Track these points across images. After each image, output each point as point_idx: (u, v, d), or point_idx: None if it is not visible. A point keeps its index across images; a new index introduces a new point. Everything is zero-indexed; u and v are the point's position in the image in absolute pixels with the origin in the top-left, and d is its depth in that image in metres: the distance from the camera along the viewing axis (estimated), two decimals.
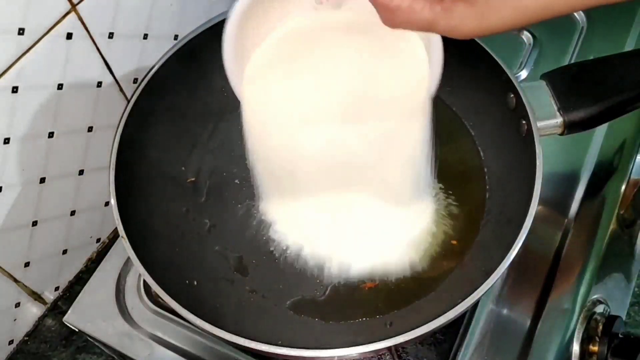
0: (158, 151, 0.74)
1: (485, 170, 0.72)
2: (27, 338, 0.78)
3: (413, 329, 0.54)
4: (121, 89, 0.76)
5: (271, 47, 0.60)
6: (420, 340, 0.67)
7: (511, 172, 0.68)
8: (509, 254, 0.56)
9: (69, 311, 0.72)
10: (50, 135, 0.69)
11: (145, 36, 0.75)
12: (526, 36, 0.86)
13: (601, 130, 0.76)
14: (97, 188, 0.79)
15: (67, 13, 0.64)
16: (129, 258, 0.64)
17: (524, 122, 0.63)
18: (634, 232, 0.78)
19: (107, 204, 0.82)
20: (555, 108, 0.63)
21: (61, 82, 0.67)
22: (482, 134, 0.74)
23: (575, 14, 0.88)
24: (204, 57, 0.76)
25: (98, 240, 0.84)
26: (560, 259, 0.68)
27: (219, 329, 0.57)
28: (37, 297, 0.78)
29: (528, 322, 0.65)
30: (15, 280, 0.73)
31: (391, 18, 0.47)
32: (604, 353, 0.63)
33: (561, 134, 0.64)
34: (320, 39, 0.60)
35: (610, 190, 0.73)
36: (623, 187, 0.73)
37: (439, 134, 0.71)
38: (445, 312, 0.54)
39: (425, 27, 0.46)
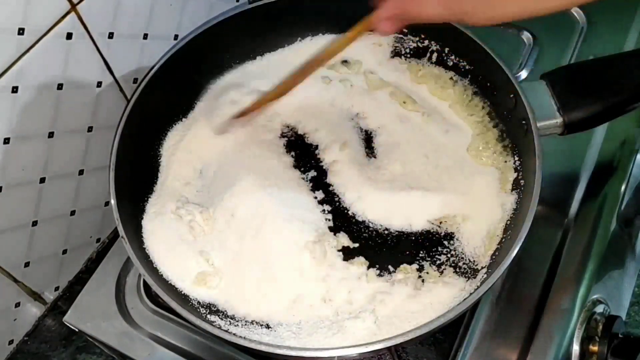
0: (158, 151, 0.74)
1: None
2: (27, 338, 0.78)
3: (413, 329, 0.54)
4: (121, 89, 0.76)
5: None
6: (420, 340, 0.67)
7: None
8: (509, 254, 0.56)
9: (69, 311, 0.72)
10: (50, 135, 0.69)
11: (145, 36, 0.75)
12: (526, 36, 0.86)
13: (601, 130, 0.76)
14: (97, 188, 0.79)
15: (67, 13, 0.64)
16: (129, 258, 0.64)
17: (523, 122, 0.63)
18: (633, 231, 0.78)
19: (107, 204, 0.82)
20: (555, 108, 0.63)
21: (61, 82, 0.67)
22: None
23: (575, 14, 0.88)
24: (203, 56, 0.76)
25: (98, 240, 0.84)
26: (560, 259, 0.68)
27: (219, 329, 0.57)
28: (37, 297, 0.78)
29: (528, 323, 0.64)
30: (15, 280, 0.73)
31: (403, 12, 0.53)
32: (604, 353, 0.63)
33: (561, 134, 0.64)
34: None
35: (610, 190, 0.73)
36: (623, 187, 0.73)
37: None
38: (446, 312, 0.55)
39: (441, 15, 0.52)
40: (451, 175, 0.70)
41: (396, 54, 0.79)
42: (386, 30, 0.58)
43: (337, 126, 0.75)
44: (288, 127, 0.76)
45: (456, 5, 0.52)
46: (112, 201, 0.63)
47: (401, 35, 0.78)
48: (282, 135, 0.76)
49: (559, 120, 0.63)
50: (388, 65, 0.79)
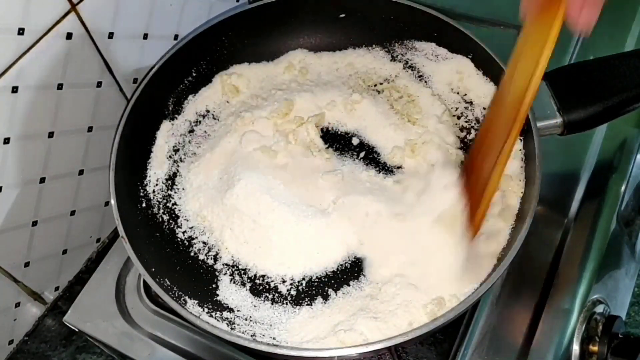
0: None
1: None
2: (27, 338, 0.78)
3: (413, 329, 0.54)
4: (121, 89, 0.76)
5: None
6: (420, 340, 0.67)
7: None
8: (509, 254, 0.56)
9: (69, 311, 0.72)
10: (50, 135, 0.69)
11: (145, 36, 0.75)
12: None
13: (601, 130, 0.76)
14: (97, 188, 0.79)
15: (67, 13, 0.64)
16: (129, 258, 0.64)
17: None
18: (633, 231, 0.78)
19: (107, 204, 0.82)
20: (555, 108, 0.63)
21: (61, 82, 0.67)
22: None
23: None
24: (203, 56, 0.76)
25: (98, 240, 0.84)
26: (560, 259, 0.68)
27: (219, 329, 0.57)
28: (37, 297, 0.78)
29: (528, 323, 0.65)
30: (15, 280, 0.73)
31: None
32: (604, 353, 0.63)
33: (561, 134, 0.64)
34: None
35: (610, 190, 0.73)
36: (623, 187, 0.73)
37: None
38: (446, 312, 0.55)
39: None
40: None
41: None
42: (589, 20, 0.48)
43: None
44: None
45: None
46: (112, 201, 0.63)
47: None
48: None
49: (558, 120, 0.63)
50: (388, 66, 0.79)
